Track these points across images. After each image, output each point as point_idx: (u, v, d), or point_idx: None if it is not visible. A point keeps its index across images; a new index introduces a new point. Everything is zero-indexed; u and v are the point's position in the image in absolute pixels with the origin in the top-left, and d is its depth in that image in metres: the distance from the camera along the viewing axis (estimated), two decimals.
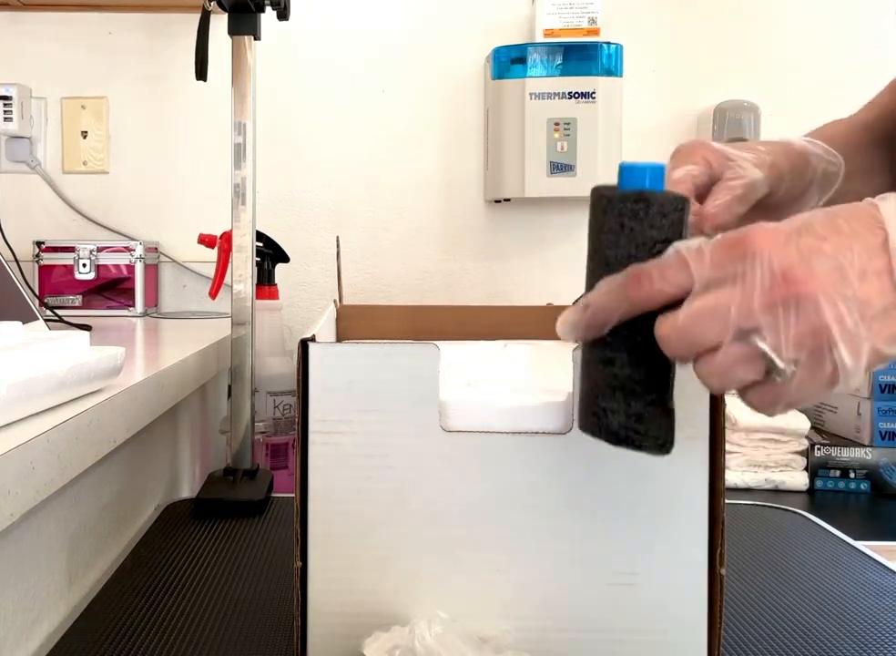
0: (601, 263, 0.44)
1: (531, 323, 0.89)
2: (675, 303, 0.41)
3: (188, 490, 1.20)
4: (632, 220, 0.43)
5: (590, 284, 0.45)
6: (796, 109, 1.64)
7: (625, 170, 0.44)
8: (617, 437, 0.44)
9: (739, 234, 0.40)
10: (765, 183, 0.56)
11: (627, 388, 0.43)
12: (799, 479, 1.33)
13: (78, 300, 1.55)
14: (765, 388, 0.40)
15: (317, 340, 0.56)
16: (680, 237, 0.43)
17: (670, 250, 0.42)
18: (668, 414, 0.44)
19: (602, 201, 0.44)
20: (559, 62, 1.52)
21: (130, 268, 1.57)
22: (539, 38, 1.55)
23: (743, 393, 0.41)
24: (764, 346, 0.39)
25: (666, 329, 0.41)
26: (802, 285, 0.39)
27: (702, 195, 0.55)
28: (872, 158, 0.72)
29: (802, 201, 0.60)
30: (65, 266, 1.55)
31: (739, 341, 0.39)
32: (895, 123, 0.73)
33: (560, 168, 1.53)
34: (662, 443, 0.44)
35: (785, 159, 0.58)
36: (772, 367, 0.39)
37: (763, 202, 0.57)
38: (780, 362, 0.39)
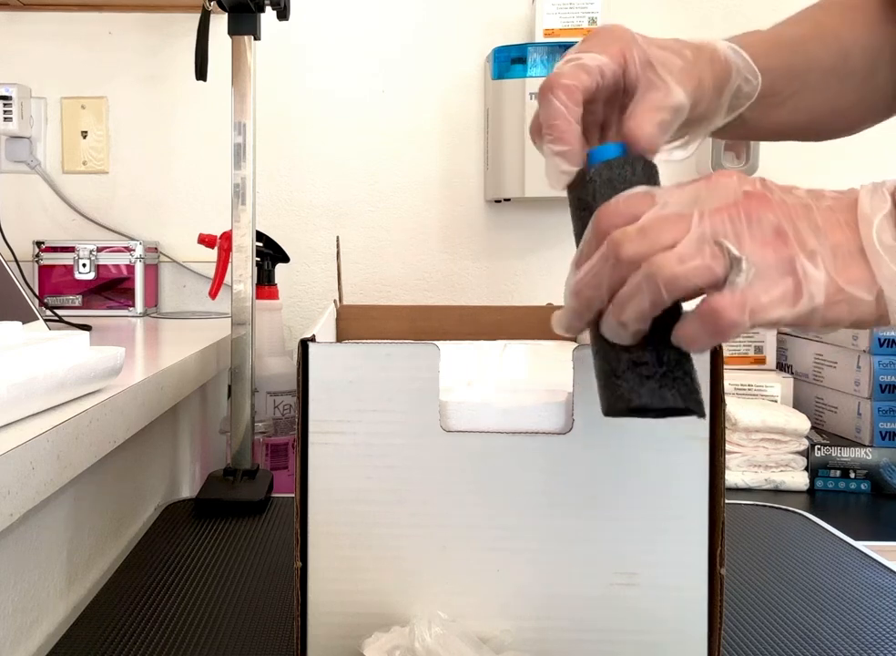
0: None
1: (531, 323, 0.89)
2: None
3: (188, 490, 1.20)
4: (621, 184, 0.44)
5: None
6: None
7: (593, 153, 0.46)
8: (646, 410, 0.42)
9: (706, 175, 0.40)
10: (686, 109, 0.49)
11: (640, 360, 0.42)
12: (799, 479, 1.33)
13: (78, 300, 1.55)
14: (724, 294, 0.37)
15: (317, 340, 0.56)
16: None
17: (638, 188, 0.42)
18: (688, 373, 0.43)
19: (584, 181, 0.46)
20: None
21: (130, 268, 1.57)
22: (539, 38, 1.55)
23: (700, 303, 0.38)
24: (725, 241, 0.37)
25: (627, 231, 0.39)
26: (768, 204, 0.38)
27: (608, 97, 0.49)
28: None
29: (710, 121, 0.54)
30: (64, 266, 1.55)
31: (699, 240, 0.37)
32: None
33: None
34: (691, 402, 0.42)
35: (709, 73, 0.51)
36: (733, 266, 0.37)
37: None
38: (740, 255, 0.37)
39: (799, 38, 0.60)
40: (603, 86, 0.48)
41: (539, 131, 0.48)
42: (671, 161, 0.56)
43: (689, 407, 0.42)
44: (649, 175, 0.46)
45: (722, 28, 1.68)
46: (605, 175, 0.45)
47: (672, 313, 0.41)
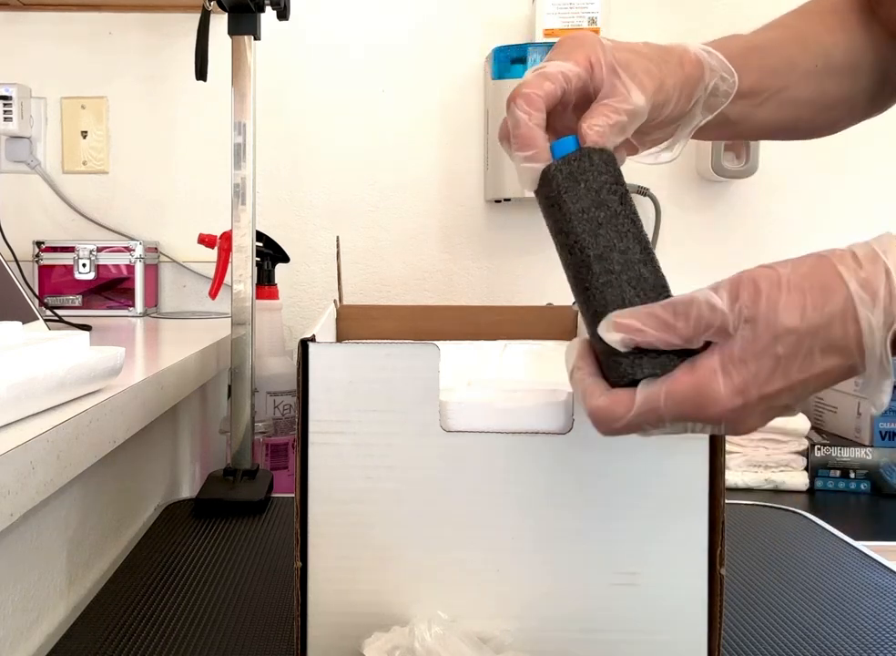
0: (576, 223, 0.47)
1: (531, 323, 0.89)
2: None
3: (188, 490, 1.20)
4: (581, 175, 0.47)
5: (575, 250, 0.48)
6: None
7: (555, 146, 0.49)
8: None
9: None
10: (646, 112, 0.51)
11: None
12: (799, 479, 1.33)
13: (78, 300, 1.55)
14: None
15: (317, 340, 0.56)
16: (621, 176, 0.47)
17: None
18: None
19: (547, 178, 0.48)
20: None
21: (130, 268, 1.56)
22: (539, 38, 1.55)
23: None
24: None
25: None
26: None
27: (576, 101, 0.51)
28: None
29: (683, 122, 0.55)
30: (64, 266, 1.55)
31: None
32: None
33: None
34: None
35: (677, 76, 0.52)
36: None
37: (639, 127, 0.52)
38: None
39: (779, 41, 0.61)
40: (570, 91, 0.50)
41: (508, 139, 0.51)
42: (660, 164, 0.59)
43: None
44: (607, 163, 0.48)
45: (722, 27, 1.67)
46: (564, 170, 0.47)
47: None
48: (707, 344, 0.42)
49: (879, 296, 0.39)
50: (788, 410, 0.42)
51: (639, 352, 0.43)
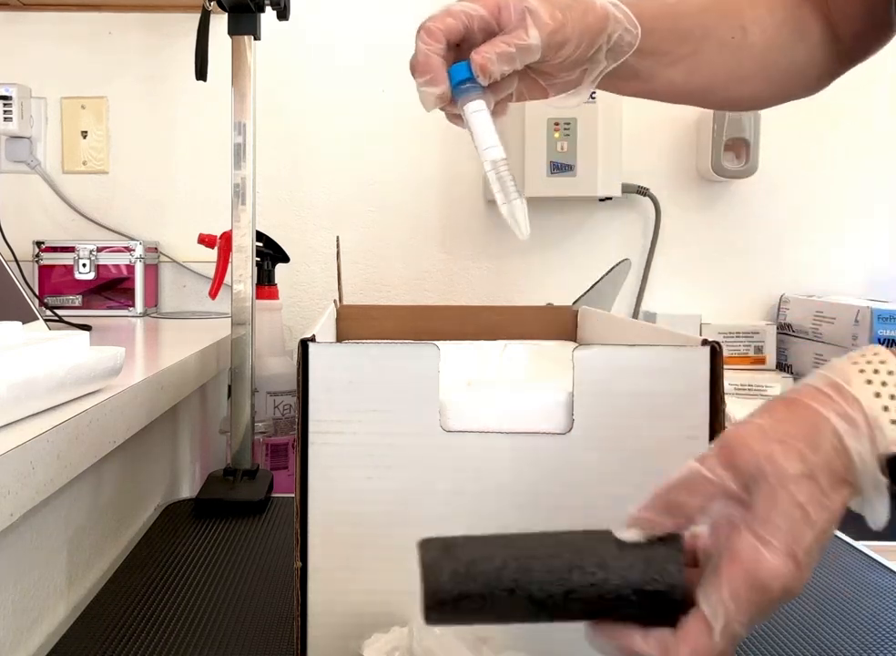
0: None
1: (531, 323, 0.89)
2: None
3: (188, 490, 1.20)
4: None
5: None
6: (795, 108, 1.64)
7: (452, 71, 0.55)
8: None
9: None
10: (538, 50, 0.55)
11: None
12: None
13: (78, 300, 1.55)
14: None
15: (317, 340, 0.56)
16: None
17: None
18: None
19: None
20: None
21: (130, 268, 1.57)
22: None
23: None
24: None
25: None
26: None
27: (483, 39, 0.55)
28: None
29: (590, 68, 0.59)
30: (64, 266, 1.55)
31: None
32: None
33: (560, 168, 1.53)
34: None
35: (580, 23, 0.56)
36: None
37: (539, 66, 0.57)
38: None
39: (699, 7, 0.64)
40: (473, 28, 0.55)
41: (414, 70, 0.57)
42: (566, 107, 0.63)
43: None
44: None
45: None
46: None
47: None
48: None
49: (859, 425, 0.40)
50: (820, 555, 0.41)
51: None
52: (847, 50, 0.67)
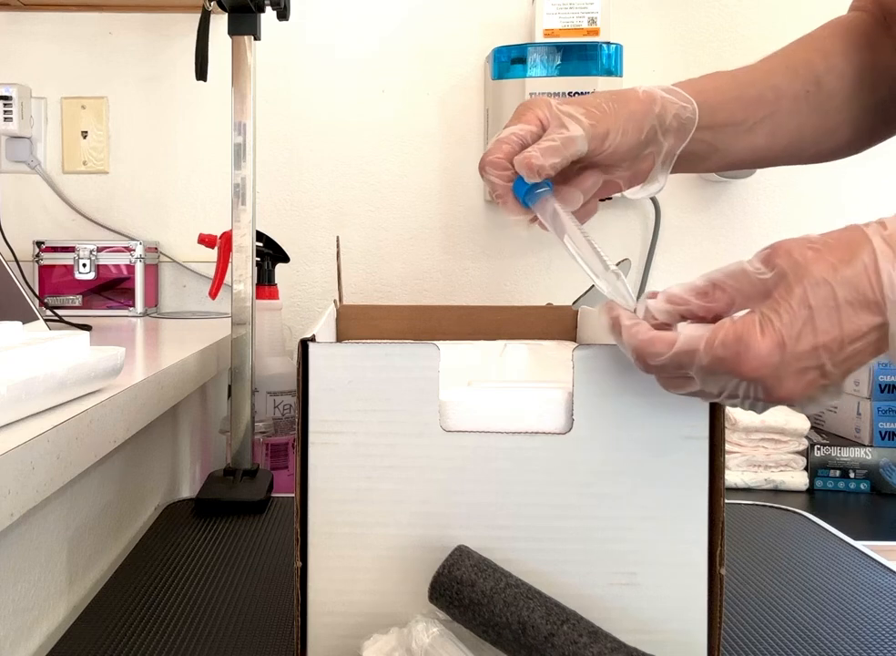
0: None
1: (531, 323, 0.89)
2: None
3: (188, 490, 1.20)
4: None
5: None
6: None
7: (514, 189, 0.60)
8: None
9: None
10: (584, 140, 0.57)
11: None
12: (799, 479, 1.33)
13: (78, 300, 1.55)
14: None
15: (317, 340, 0.56)
16: None
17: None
18: None
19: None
20: (559, 62, 1.52)
21: (130, 268, 1.57)
22: (539, 38, 1.55)
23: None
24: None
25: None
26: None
27: None
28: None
29: (650, 150, 0.60)
30: (65, 266, 1.55)
31: None
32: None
33: None
34: None
35: (620, 111, 0.58)
36: None
37: (592, 159, 0.58)
38: None
39: (764, 70, 0.65)
40: (529, 144, 0.57)
41: (484, 170, 0.60)
42: (649, 196, 0.65)
43: None
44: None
45: (720, 26, 1.68)
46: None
47: None
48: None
49: None
50: (824, 380, 0.43)
51: None
52: None
